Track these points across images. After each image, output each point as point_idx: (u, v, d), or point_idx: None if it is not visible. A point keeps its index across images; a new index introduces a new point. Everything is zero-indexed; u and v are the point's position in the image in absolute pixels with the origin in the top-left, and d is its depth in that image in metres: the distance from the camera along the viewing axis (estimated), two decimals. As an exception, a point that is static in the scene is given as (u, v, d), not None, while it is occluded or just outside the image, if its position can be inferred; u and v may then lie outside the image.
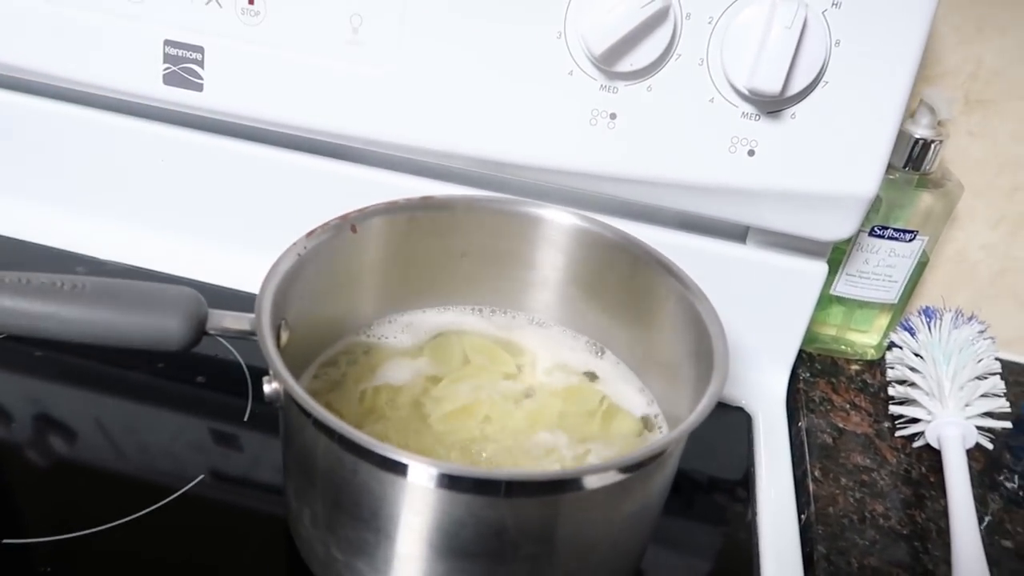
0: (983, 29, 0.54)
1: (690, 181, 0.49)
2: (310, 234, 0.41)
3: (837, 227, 0.49)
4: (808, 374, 0.58)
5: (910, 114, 0.53)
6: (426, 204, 0.46)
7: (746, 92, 0.45)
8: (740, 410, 0.55)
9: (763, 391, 0.56)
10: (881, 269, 0.56)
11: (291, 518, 0.39)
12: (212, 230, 0.59)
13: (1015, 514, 0.49)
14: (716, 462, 0.51)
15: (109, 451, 0.45)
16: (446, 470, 0.31)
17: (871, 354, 0.60)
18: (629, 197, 0.51)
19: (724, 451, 0.52)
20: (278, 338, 0.37)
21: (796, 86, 0.44)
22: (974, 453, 0.52)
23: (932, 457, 0.52)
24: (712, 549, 0.46)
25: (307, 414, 0.32)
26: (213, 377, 0.50)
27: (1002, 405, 0.50)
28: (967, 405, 0.50)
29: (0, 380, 0.48)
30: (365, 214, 0.43)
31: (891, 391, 0.55)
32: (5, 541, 0.39)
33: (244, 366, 0.51)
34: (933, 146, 0.52)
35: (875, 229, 0.55)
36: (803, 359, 0.59)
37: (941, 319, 0.53)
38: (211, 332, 0.37)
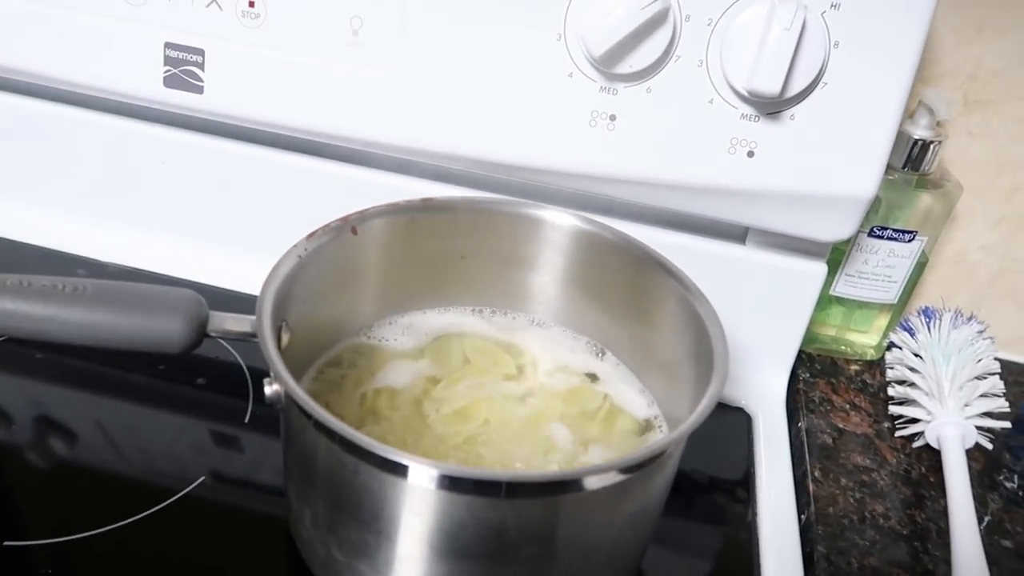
0: (982, 30, 0.55)
1: (689, 182, 0.49)
2: (311, 236, 0.41)
3: (836, 228, 0.49)
4: (808, 374, 0.58)
5: (909, 115, 0.53)
6: (426, 206, 0.46)
7: (745, 93, 0.45)
8: (740, 410, 0.55)
9: (763, 391, 0.56)
10: (880, 269, 0.56)
11: (292, 519, 0.40)
12: (213, 232, 0.59)
13: (1015, 514, 0.49)
14: (716, 462, 0.51)
15: (110, 453, 0.45)
16: (446, 471, 0.31)
17: (871, 354, 0.60)
18: (629, 198, 0.51)
19: (724, 451, 0.52)
20: (279, 340, 0.37)
21: (795, 87, 0.45)
22: (974, 453, 0.52)
23: (932, 457, 0.52)
24: (712, 549, 0.46)
25: (308, 415, 0.32)
26: (214, 379, 0.50)
27: (1001, 405, 0.50)
28: (967, 405, 0.50)
29: (1, 382, 0.48)
30: (366, 216, 0.43)
31: (891, 391, 0.55)
32: (6, 543, 0.39)
33: (245, 368, 0.51)
34: (932, 147, 0.52)
35: (874, 230, 0.55)
36: (803, 359, 0.59)
37: (940, 319, 0.53)
38: (212, 334, 0.38)
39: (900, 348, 0.55)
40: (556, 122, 0.49)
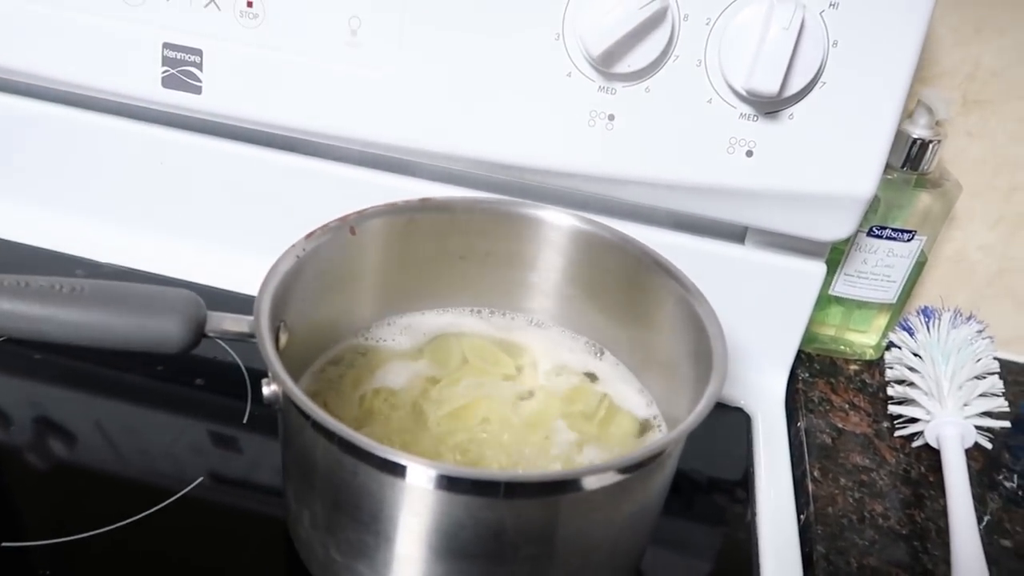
0: (981, 30, 0.55)
1: (688, 182, 0.49)
2: (309, 236, 0.41)
3: (835, 227, 0.49)
4: (807, 374, 0.58)
5: (908, 114, 0.53)
6: (425, 206, 0.46)
7: (744, 93, 0.45)
8: (739, 410, 0.55)
9: (762, 391, 0.56)
10: (879, 269, 0.56)
11: (290, 520, 0.39)
12: (211, 232, 0.59)
13: (1014, 513, 0.49)
14: (715, 463, 0.51)
15: (108, 453, 0.45)
16: (445, 471, 0.31)
17: (870, 354, 0.60)
18: (627, 198, 0.51)
19: (723, 451, 0.52)
20: (277, 340, 0.37)
21: (794, 87, 0.45)
22: (973, 453, 0.52)
23: (931, 457, 0.52)
24: (712, 549, 0.46)
25: (306, 416, 0.32)
26: (212, 379, 0.50)
27: (1001, 404, 0.50)
28: (966, 405, 0.50)
29: (-1, 383, 0.48)
30: (364, 216, 0.43)
31: (890, 391, 0.55)
32: (4, 544, 0.39)
33: (243, 368, 0.51)
34: (931, 146, 0.52)
35: (873, 229, 0.55)
36: (802, 359, 0.59)
37: (939, 319, 0.53)
38: (210, 334, 0.38)
39: (899, 348, 0.55)
40: (555, 122, 0.49)
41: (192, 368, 0.50)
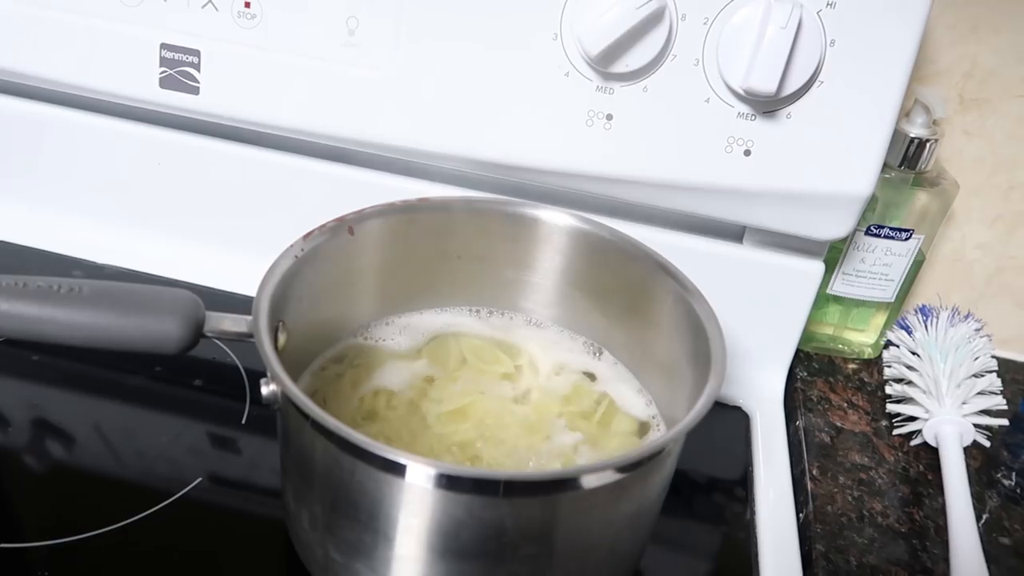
0: (978, 29, 0.55)
1: (686, 181, 0.49)
2: (307, 236, 0.41)
3: (833, 226, 0.49)
4: (806, 373, 0.58)
5: (905, 113, 0.53)
6: (423, 206, 0.46)
7: (742, 92, 0.45)
8: (738, 410, 0.55)
9: (761, 390, 0.56)
10: (878, 268, 0.56)
11: (289, 520, 0.39)
12: (209, 233, 0.59)
13: (1013, 511, 0.49)
14: (714, 462, 0.51)
15: (106, 455, 0.45)
16: (444, 470, 0.31)
17: (868, 353, 0.60)
18: (625, 198, 0.51)
19: (722, 451, 0.52)
20: (275, 340, 0.37)
21: (791, 86, 0.45)
22: (971, 451, 0.52)
23: (930, 455, 0.52)
24: (711, 549, 0.46)
25: (305, 415, 0.32)
26: (211, 381, 0.50)
27: (999, 403, 0.50)
28: (964, 403, 0.50)
29: (-3, 384, 0.48)
30: (362, 216, 0.43)
31: (888, 389, 0.55)
32: (3, 545, 0.39)
33: (242, 369, 0.51)
34: (928, 145, 0.52)
35: (871, 228, 0.55)
36: (800, 358, 0.59)
37: (937, 317, 0.53)
38: (208, 334, 0.37)
39: (897, 346, 0.55)
40: (552, 122, 0.49)
41: (190, 369, 0.50)
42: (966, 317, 0.54)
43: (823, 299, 0.58)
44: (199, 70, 0.51)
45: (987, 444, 0.51)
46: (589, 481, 0.33)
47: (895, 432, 0.53)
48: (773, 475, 0.50)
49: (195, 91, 0.52)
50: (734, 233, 0.54)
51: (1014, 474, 0.52)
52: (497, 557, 0.33)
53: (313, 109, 0.51)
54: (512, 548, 0.33)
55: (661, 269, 0.43)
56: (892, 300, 0.58)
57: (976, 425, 0.50)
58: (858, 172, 0.47)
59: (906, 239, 0.55)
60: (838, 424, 0.54)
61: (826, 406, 0.56)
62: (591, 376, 0.47)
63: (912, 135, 0.52)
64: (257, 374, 0.45)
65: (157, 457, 0.45)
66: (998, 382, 0.51)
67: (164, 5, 0.50)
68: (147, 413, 0.48)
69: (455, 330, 0.48)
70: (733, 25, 0.44)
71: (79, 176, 0.59)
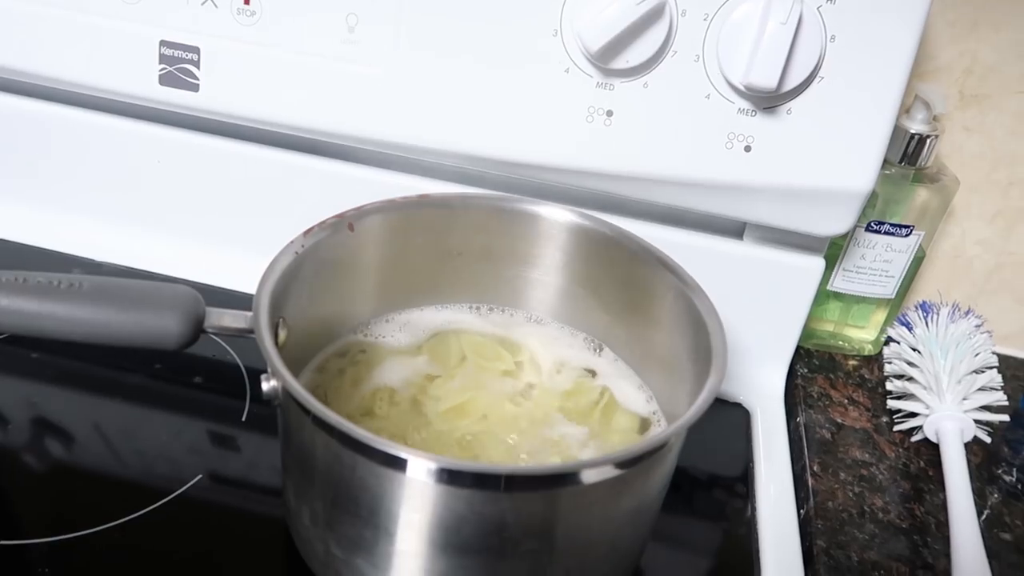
0: (978, 25, 0.55)
1: (687, 177, 0.49)
2: (307, 232, 0.41)
3: (834, 222, 0.49)
4: (806, 370, 0.58)
5: (905, 109, 0.53)
6: (423, 202, 0.46)
7: (742, 88, 0.45)
8: (739, 406, 0.55)
9: (761, 387, 0.56)
10: (878, 264, 0.56)
11: (290, 517, 0.39)
12: (209, 231, 0.58)
13: (1013, 507, 0.49)
14: (715, 459, 0.51)
15: (106, 452, 0.45)
16: (445, 465, 0.31)
17: (869, 349, 0.60)
18: (626, 194, 0.51)
19: (723, 447, 0.52)
20: (276, 336, 0.37)
21: (792, 82, 0.45)
22: (972, 447, 0.52)
23: (931, 451, 0.52)
24: (712, 545, 0.46)
25: (306, 411, 0.32)
26: (211, 378, 0.50)
27: (1000, 399, 0.50)
28: (965, 399, 0.50)
29: (-3, 382, 0.48)
30: (362, 212, 0.43)
31: (889, 386, 0.55)
32: (2, 542, 0.39)
33: (242, 367, 0.51)
34: (929, 141, 0.52)
35: (871, 224, 0.55)
36: (801, 355, 0.59)
37: (938, 314, 0.53)
38: (208, 330, 0.37)
39: (898, 343, 0.55)
40: (553, 118, 0.49)
41: (190, 367, 0.50)
42: (966, 313, 0.54)
43: (823, 295, 0.58)
44: (199, 67, 0.51)
45: (988, 440, 0.51)
46: (590, 476, 0.33)
47: (896, 428, 0.53)
48: (774, 471, 0.50)
49: (195, 88, 0.51)
50: (734, 229, 0.54)
51: (1015, 470, 0.52)
52: (498, 552, 0.33)
53: (313, 106, 0.51)
54: (513, 543, 0.33)
55: (661, 265, 0.43)
56: (892, 296, 0.58)
57: (977, 421, 0.50)
58: (858, 168, 0.47)
59: (906, 235, 0.55)
60: (839, 420, 0.54)
61: (827, 402, 0.56)
62: (592, 372, 0.47)
63: (912, 131, 0.52)
64: (257, 371, 0.45)
65: (157, 455, 0.45)
66: (999, 378, 0.51)
67: (164, 2, 0.50)
68: (147, 411, 0.48)
69: (456, 327, 0.48)
70: (733, 21, 0.44)
71: (78, 174, 0.58)
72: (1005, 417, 0.51)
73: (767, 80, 0.43)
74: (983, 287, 0.63)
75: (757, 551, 0.45)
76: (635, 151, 0.49)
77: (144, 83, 0.52)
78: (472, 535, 0.33)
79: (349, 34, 0.49)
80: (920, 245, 0.56)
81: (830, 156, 0.47)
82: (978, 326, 0.53)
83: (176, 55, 0.51)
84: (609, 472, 0.33)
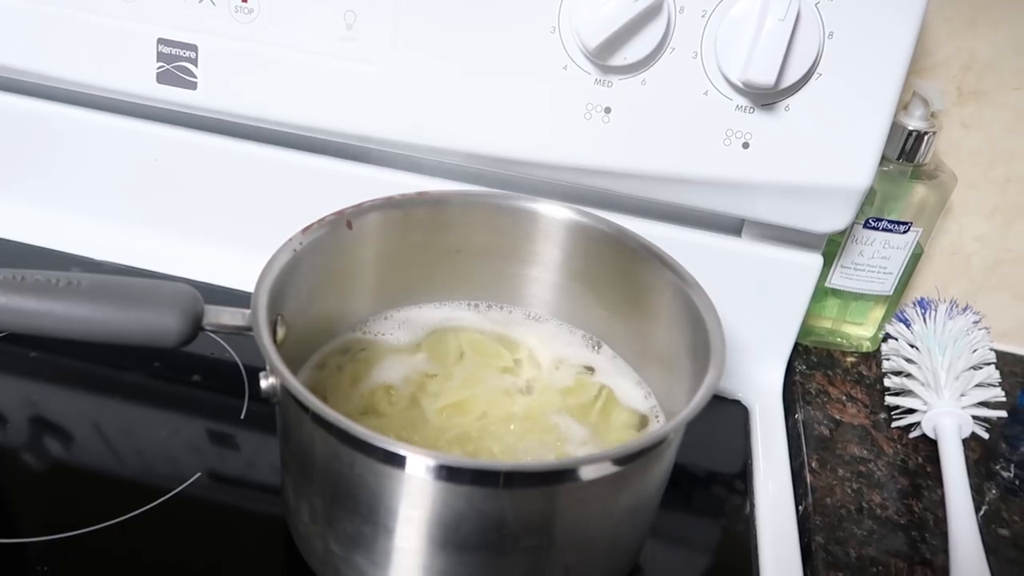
0: (975, 21, 0.55)
1: (685, 174, 0.49)
2: (306, 230, 0.41)
3: (832, 219, 0.49)
4: (804, 366, 0.58)
5: (903, 106, 0.53)
6: (421, 199, 0.46)
7: (740, 85, 0.45)
8: (737, 403, 0.55)
9: (760, 384, 0.56)
10: (876, 261, 0.56)
11: (289, 514, 0.39)
12: (207, 229, 0.58)
13: (1011, 503, 0.49)
14: (713, 455, 0.51)
15: (105, 451, 0.45)
16: (444, 461, 0.31)
17: (867, 346, 0.60)
18: (624, 191, 0.51)
19: (721, 444, 0.52)
20: (274, 333, 0.37)
21: (790, 78, 0.45)
22: (970, 443, 0.52)
23: (928, 447, 0.52)
24: (711, 542, 0.46)
25: (304, 408, 0.32)
26: (209, 376, 0.50)
27: (997, 395, 0.50)
28: (963, 395, 0.50)
29: (-5, 381, 0.48)
30: (361, 210, 0.43)
31: (887, 382, 0.55)
32: (1, 541, 0.39)
33: (240, 365, 0.51)
34: (926, 138, 0.52)
35: (869, 221, 0.55)
36: (799, 352, 0.59)
37: (936, 310, 0.53)
38: (207, 328, 0.37)
39: (896, 339, 0.55)
40: (551, 115, 0.48)
41: (189, 365, 0.50)
42: (964, 310, 0.54)
43: (821, 292, 0.58)
44: (196, 65, 0.51)
45: (986, 436, 0.51)
46: (589, 473, 0.33)
47: (894, 424, 0.54)
48: (772, 468, 0.50)
49: (192, 86, 0.51)
50: (732, 226, 0.54)
51: (1013, 466, 0.52)
52: (497, 549, 0.33)
53: (311, 104, 0.51)
54: (513, 540, 0.33)
55: (659, 261, 0.43)
56: (890, 293, 0.58)
57: (975, 417, 0.51)
58: (856, 165, 0.47)
59: (904, 232, 0.55)
60: (837, 417, 0.54)
61: (825, 399, 0.56)
62: (590, 369, 0.47)
63: (910, 128, 0.52)
64: (256, 369, 0.44)
65: (155, 453, 0.45)
66: (996, 374, 0.51)
67: (161, 0, 0.50)
68: (145, 409, 0.48)
69: (454, 324, 0.48)
70: (731, 17, 0.44)
71: (75, 172, 0.58)
72: (1003, 413, 0.51)
73: (765, 77, 0.44)
74: (981, 283, 0.63)
75: (755, 547, 0.45)
76: (633, 148, 0.49)
77: (142, 81, 0.52)
78: (471, 532, 0.33)
79: (347, 32, 0.49)
80: (918, 242, 0.56)
81: (828, 153, 0.47)
82: (976, 322, 0.53)
83: (174, 53, 0.51)
84: (608, 469, 0.33)
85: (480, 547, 0.33)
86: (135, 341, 0.36)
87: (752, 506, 0.48)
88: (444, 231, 0.47)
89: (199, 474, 0.44)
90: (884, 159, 0.53)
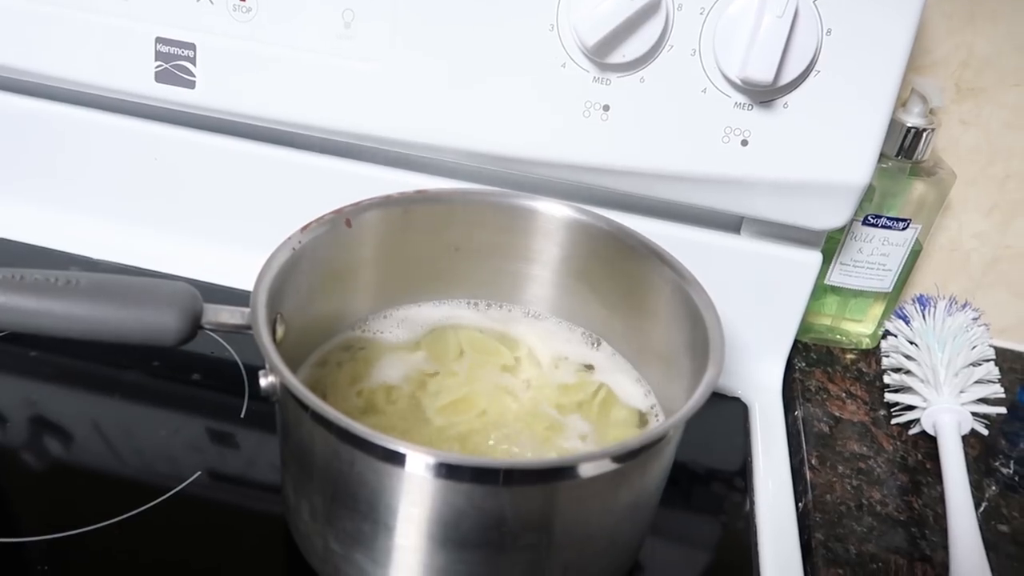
0: (974, 17, 0.55)
1: (684, 172, 0.49)
2: (305, 228, 0.41)
3: (831, 216, 0.49)
4: (804, 364, 0.58)
5: (902, 103, 0.53)
6: (420, 198, 0.46)
7: (739, 82, 0.45)
8: (737, 400, 0.55)
9: (759, 381, 0.56)
10: (875, 258, 0.56)
11: (289, 513, 0.39)
12: (206, 227, 0.58)
13: (1011, 499, 0.50)
14: (713, 453, 0.51)
15: (104, 450, 0.45)
16: (444, 459, 0.31)
17: (866, 343, 0.61)
18: (623, 188, 0.51)
19: (721, 442, 0.52)
20: (274, 332, 0.37)
21: (788, 75, 0.45)
22: (969, 439, 0.52)
23: (928, 444, 0.52)
24: (711, 539, 0.46)
25: (304, 407, 0.32)
26: (209, 375, 0.50)
27: (997, 391, 0.50)
28: (962, 392, 0.50)
29: (-5, 380, 0.48)
30: (360, 208, 0.43)
31: (886, 379, 0.55)
32: (1, 540, 0.39)
33: (240, 364, 0.51)
34: (925, 135, 0.52)
35: (868, 218, 0.55)
36: (799, 349, 0.59)
37: (935, 307, 0.53)
38: (206, 327, 0.37)
39: (895, 336, 0.55)
40: (549, 113, 0.48)
41: (189, 364, 0.50)
42: (963, 306, 0.54)
43: (821, 289, 0.58)
44: (195, 64, 0.51)
45: (985, 433, 0.51)
46: (588, 470, 0.33)
47: (893, 421, 0.54)
48: (772, 465, 0.50)
49: (191, 85, 0.51)
50: (731, 224, 0.54)
51: (1012, 462, 0.52)
52: (497, 546, 0.34)
53: (309, 102, 0.51)
54: (512, 537, 0.33)
55: (658, 259, 0.43)
56: (890, 290, 0.58)
57: (974, 414, 0.51)
58: (855, 161, 0.47)
59: (903, 229, 0.55)
60: (836, 414, 0.54)
61: (824, 396, 0.56)
62: (590, 367, 0.47)
63: (909, 125, 0.52)
64: (255, 368, 0.44)
65: (155, 452, 0.45)
66: (996, 371, 0.51)
67: (159, -1, 0.50)
68: (145, 408, 0.48)
69: (453, 322, 0.48)
70: (729, 15, 0.44)
71: (74, 172, 0.58)
72: (1002, 409, 0.51)
73: (763, 74, 0.44)
74: (980, 280, 0.63)
75: (755, 544, 0.45)
76: (632, 146, 0.49)
77: (140, 80, 0.52)
78: (471, 529, 0.33)
79: (345, 30, 0.49)
80: (917, 239, 0.56)
81: (827, 150, 0.47)
82: (975, 319, 0.53)
83: (172, 52, 0.51)
84: (607, 466, 0.33)
85: (480, 545, 0.33)
86: (134, 340, 0.36)
87: (752, 503, 0.48)
88: (443, 229, 0.47)
89: (199, 473, 0.44)
90: (883, 156, 0.53)
